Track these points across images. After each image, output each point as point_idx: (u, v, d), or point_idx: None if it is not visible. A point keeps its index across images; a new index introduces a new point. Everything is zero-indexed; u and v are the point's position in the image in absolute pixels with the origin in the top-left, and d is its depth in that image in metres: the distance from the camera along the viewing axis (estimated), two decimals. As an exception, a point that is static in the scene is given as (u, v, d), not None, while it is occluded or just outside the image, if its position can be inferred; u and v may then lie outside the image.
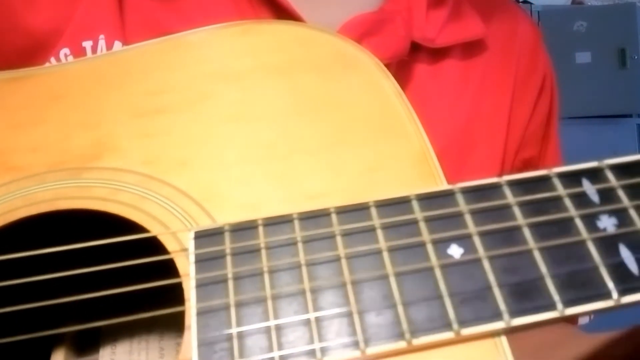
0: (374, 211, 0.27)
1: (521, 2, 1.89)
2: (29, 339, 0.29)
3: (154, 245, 0.30)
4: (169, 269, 0.29)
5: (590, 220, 0.26)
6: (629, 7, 1.86)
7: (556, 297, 0.24)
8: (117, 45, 0.42)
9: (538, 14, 1.84)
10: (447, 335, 0.24)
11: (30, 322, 0.30)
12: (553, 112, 0.52)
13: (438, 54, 0.46)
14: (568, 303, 0.24)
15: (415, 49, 0.45)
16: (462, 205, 0.27)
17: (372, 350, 0.24)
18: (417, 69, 0.46)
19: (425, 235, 0.26)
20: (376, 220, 0.27)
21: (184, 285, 0.27)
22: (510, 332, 0.24)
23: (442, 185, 0.29)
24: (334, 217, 0.27)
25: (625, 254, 0.25)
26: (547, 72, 0.52)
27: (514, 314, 0.24)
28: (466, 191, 0.27)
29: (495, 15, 0.50)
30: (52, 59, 0.42)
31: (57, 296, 0.29)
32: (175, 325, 0.36)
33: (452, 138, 0.45)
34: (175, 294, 0.28)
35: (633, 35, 1.82)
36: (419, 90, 0.45)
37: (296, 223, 0.27)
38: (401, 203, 0.27)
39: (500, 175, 0.28)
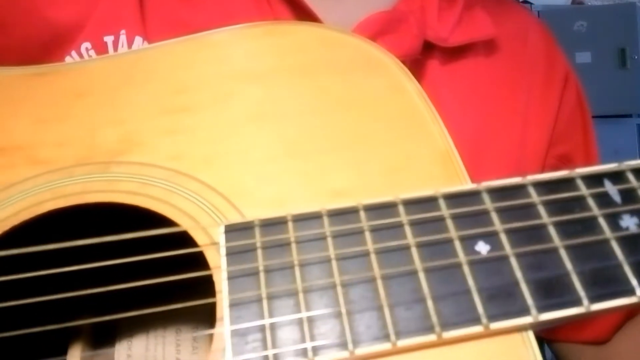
0: (401, 208, 0.28)
1: (521, 2, 1.89)
2: (46, 333, 0.30)
3: (182, 239, 0.30)
4: (195, 263, 0.29)
5: (613, 220, 0.27)
6: (629, 7, 1.85)
7: (582, 293, 0.25)
8: (138, 40, 0.42)
9: (538, 14, 1.84)
10: (477, 329, 0.24)
11: (52, 315, 0.30)
12: (583, 106, 0.53)
13: (451, 53, 0.47)
14: (594, 299, 0.24)
15: (429, 48, 0.46)
16: (488, 203, 0.28)
17: (403, 342, 0.24)
18: (430, 67, 0.46)
19: (453, 232, 0.27)
20: (404, 217, 0.28)
21: (215, 278, 0.28)
22: (537, 326, 0.25)
23: (468, 184, 0.29)
24: (362, 213, 0.28)
25: (648, 252, 0.26)
26: (568, 71, 0.53)
27: (542, 309, 0.24)
28: (492, 190, 0.28)
29: (506, 20, 0.51)
30: (74, 53, 0.42)
31: (82, 289, 0.30)
32: (191, 320, 0.37)
33: (465, 136, 0.46)
34: (197, 290, 0.29)
35: (633, 35, 1.81)
36: (432, 89, 0.45)
37: (325, 219, 0.28)
38: (428, 201, 0.28)
39: (515, 174, 0.29)
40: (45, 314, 0.30)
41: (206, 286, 0.29)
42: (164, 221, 0.31)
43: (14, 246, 0.30)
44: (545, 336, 0.52)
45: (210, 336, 0.37)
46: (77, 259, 0.29)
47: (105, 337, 0.37)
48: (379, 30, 0.44)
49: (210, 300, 0.28)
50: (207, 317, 0.36)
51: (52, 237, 0.30)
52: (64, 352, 0.35)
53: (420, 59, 0.45)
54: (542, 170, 0.49)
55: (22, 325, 0.30)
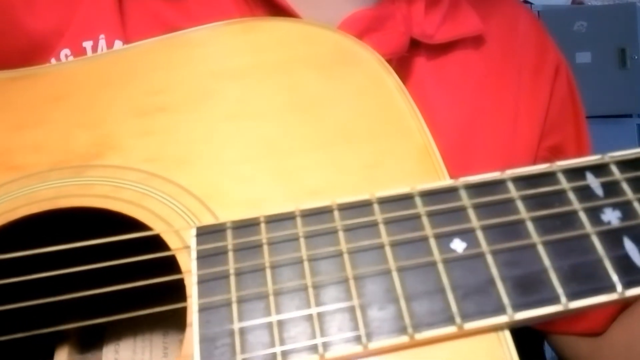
0: (376, 207, 0.27)
1: (521, 1, 1.90)
2: (32, 338, 0.29)
3: (157, 243, 0.29)
4: (173, 266, 0.29)
5: (594, 214, 0.26)
6: (629, 7, 1.85)
7: (560, 290, 0.24)
8: (118, 44, 0.42)
9: (538, 14, 1.84)
10: (450, 329, 0.23)
11: (33, 321, 0.30)
12: (574, 96, 0.52)
13: (438, 50, 0.46)
14: (572, 296, 0.23)
15: (415, 45, 0.45)
16: (465, 199, 0.27)
17: (374, 345, 0.23)
18: (417, 65, 0.46)
19: (428, 230, 0.26)
20: (378, 216, 0.27)
21: (186, 282, 0.27)
22: (513, 325, 0.24)
23: (445, 181, 0.28)
24: (336, 213, 0.27)
25: (630, 246, 0.25)
26: (559, 61, 0.52)
27: (517, 307, 0.23)
28: (469, 186, 0.27)
29: (494, 12, 0.50)
30: (53, 60, 0.42)
31: (61, 293, 0.29)
32: (178, 323, 0.36)
33: (455, 133, 0.45)
34: (180, 293, 0.28)
35: (633, 35, 1.81)
36: (420, 86, 0.45)
37: (298, 219, 0.27)
38: (404, 199, 0.27)
39: (507, 167, 0.28)
40: (29, 317, 0.29)
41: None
42: (138, 225, 0.30)
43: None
44: (541, 328, 0.51)
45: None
46: (54, 264, 0.29)
47: (92, 342, 0.36)
48: (365, 28, 0.43)
49: (181, 304, 0.27)
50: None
51: (28, 243, 0.30)
52: (50, 355, 0.35)
53: (407, 56, 0.45)
54: (534, 163, 0.48)
55: (5, 331, 0.29)
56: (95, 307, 0.30)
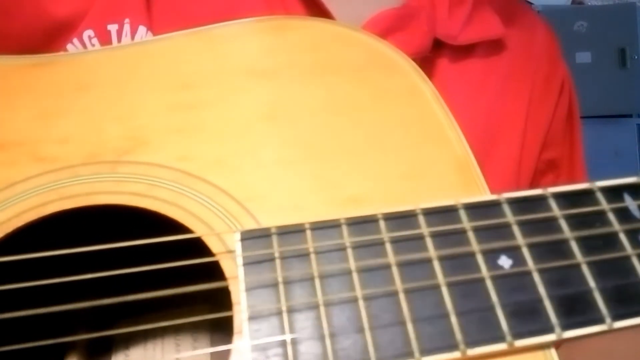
0: (421, 219, 0.28)
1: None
2: (44, 336, 0.29)
3: (194, 244, 0.29)
4: (203, 269, 0.28)
5: (633, 236, 0.27)
6: (629, 7, 1.86)
7: (605, 311, 0.25)
8: (142, 30, 0.41)
9: (538, 14, 1.84)
10: (501, 346, 0.24)
11: (52, 320, 0.29)
12: (573, 114, 0.53)
13: (460, 51, 0.47)
14: (616, 317, 0.24)
15: (438, 45, 0.46)
16: (509, 216, 0.27)
17: (427, 359, 0.24)
18: (439, 65, 0.46)
19: (475, 246, 0.27)
20: (424, 229, 0.27)
21: (232, 288, 0.27)
22: (559, 344, 0.25)
23: (488, 195, 0.29)
24: (381, 223, 0.28)
25: (669, 270, 0.26)
26: (566, 77, 0.53)
27: (565, 327, 0.24)
28: (512, 202, 0.28)
29: (515, 20, 0.51)
30: (75, 40, 0.41)
31: (86, 295, 0.29)
32: (189, 326, 0.36)
33: (473, 135, 0.46)
34: (195, 296, 0.28)
35: (633, 35, 1.82)
36: (441, 87, 0.45)
37: (344, 228, 0.28)
38: (448, 211, 0.28)
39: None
40: (45, 319, 0.29)
41: (206, 292, 0.28)
42: (172, 224, 0.30)
43: (16, 249, 0.29)
44: None
45: (211, 339, 0.37)
46: (82, 263, 0.29)
47: (102, 342, 0.36)
48: (389, 27, 0.43)
49: (228, 313, 0.27)
50: (205, 323, 0.36)
51: (56, 239, 0.29)
52: (61, 349, 0.34)
53: (430, 56, 0.45)
54: (535, 172, 0.50)
55: (21, 331, 0.29)
56: (111, 309, 0.30)
